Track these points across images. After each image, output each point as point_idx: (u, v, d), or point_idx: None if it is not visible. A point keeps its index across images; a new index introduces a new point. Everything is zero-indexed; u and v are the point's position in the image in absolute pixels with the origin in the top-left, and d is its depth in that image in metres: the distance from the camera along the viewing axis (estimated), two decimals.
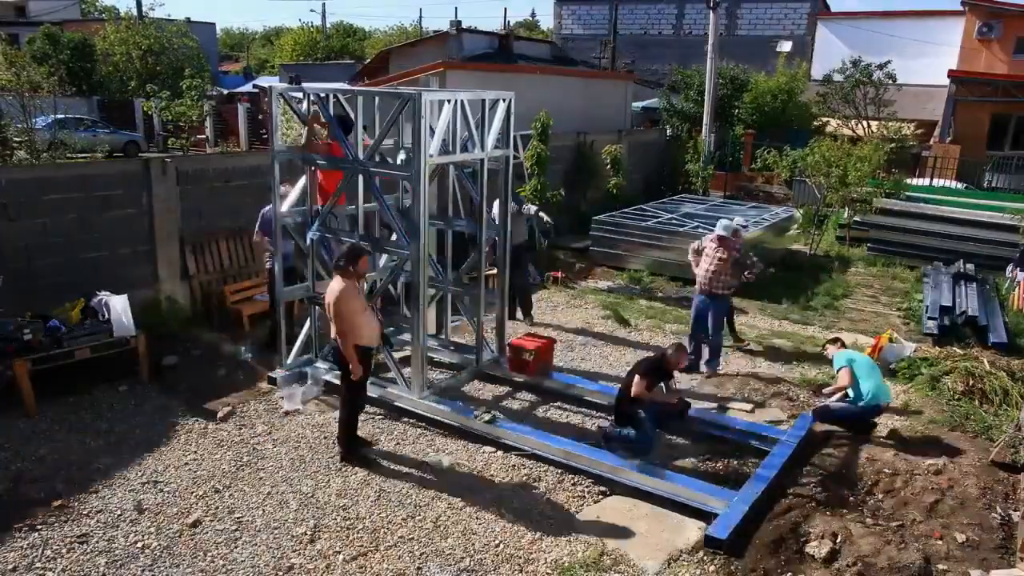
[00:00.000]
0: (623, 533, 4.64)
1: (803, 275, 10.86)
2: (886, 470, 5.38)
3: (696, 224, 11.11)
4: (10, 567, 4.17)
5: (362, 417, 6.08)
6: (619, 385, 5.82)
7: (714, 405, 6.48)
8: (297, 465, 5.34)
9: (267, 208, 6.69)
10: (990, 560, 4.45)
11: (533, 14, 78.22)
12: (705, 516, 4.72)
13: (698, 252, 7.37)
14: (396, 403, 6.19)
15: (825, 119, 19.35)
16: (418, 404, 6.08)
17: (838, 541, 4.49)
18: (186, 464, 5.30)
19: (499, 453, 5.55)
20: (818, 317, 9.10)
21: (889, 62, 18.60)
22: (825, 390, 6.26)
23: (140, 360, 6.40)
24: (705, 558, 4.39)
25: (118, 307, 6.33)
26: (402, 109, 5.79)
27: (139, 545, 4.39)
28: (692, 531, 4.66)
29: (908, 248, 11.83)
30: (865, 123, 18.54)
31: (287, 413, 6.07)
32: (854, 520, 4.77)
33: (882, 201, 12.36)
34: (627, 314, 8.81)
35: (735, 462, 5.54)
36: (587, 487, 5.14)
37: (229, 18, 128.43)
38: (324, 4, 71.68)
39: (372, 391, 6.33)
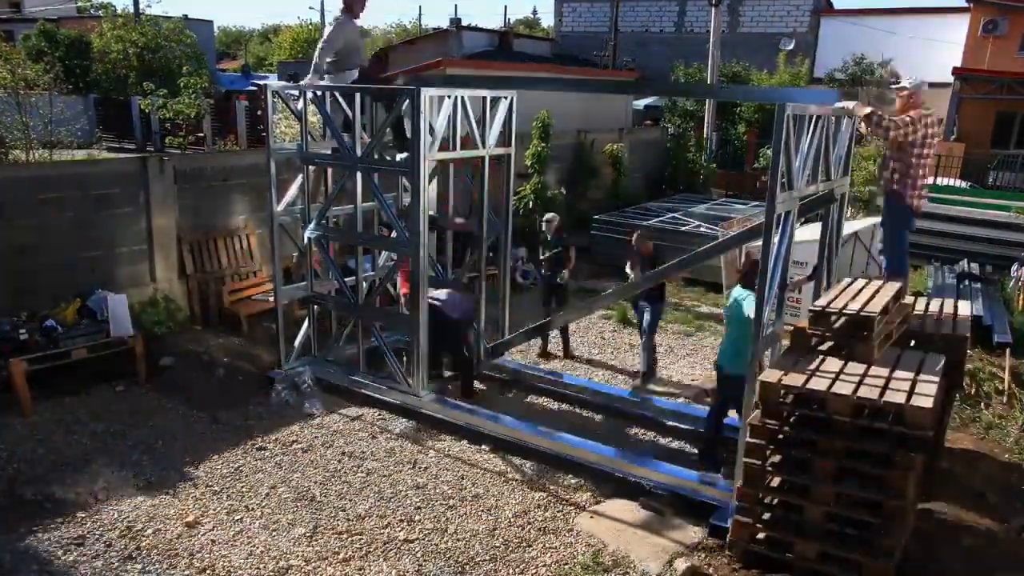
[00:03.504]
0: (623, 533, 4.61)
1: None
2: None
3: (698, 223, 11.05)
4: (6, 570, 4.13)
5: (361, 417, 6.04)
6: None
7: None
8: (296, 465, 5.29)
9: None
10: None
11: (534, 11, 78.02)
12: (705, 517, 4.67)
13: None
14: (396, 402, 6.14)
15: None
16: (418, 403, 6.04)
17: None
18: (183, 465, 5.26)
19: (499, 452, 5.51)
20: None
21: (892, 60, 18.51)
22: None
23: (137, 360, 6.35)
24: (706, 559, 4.35)
25: (115, 307, 6.29)
26: (401, 106, 5.74)
27: (136, 547, 4.35)
28: (693, 531, 4.62)
29: (912, 247, 11.71)
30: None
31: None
32: None
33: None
34: (629, 314, 8.75)
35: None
36: (588, 487, 5.10)
37: (227, 16, 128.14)
38: (323, 1, 71.40)
39: (372, 391, 6.30)
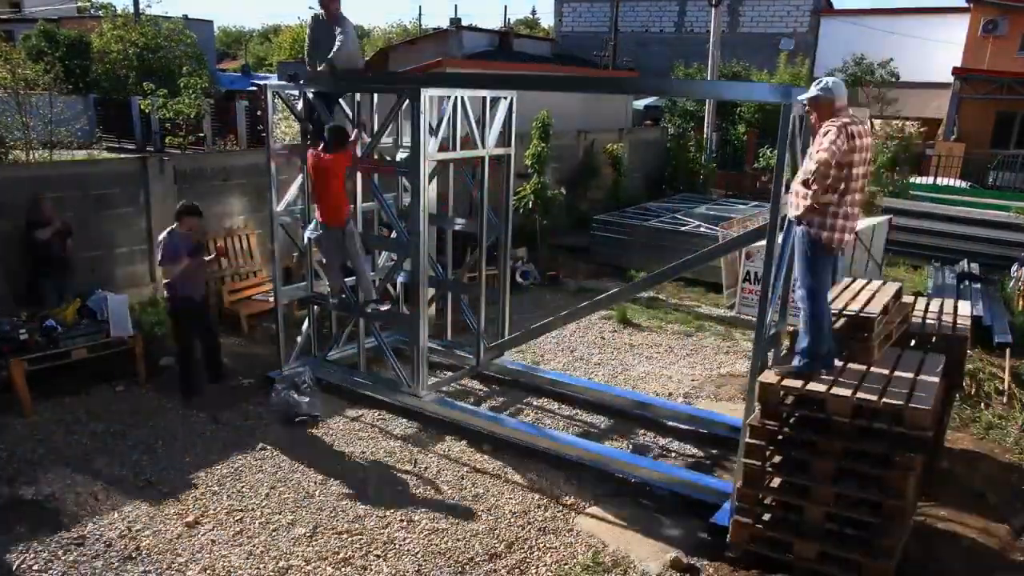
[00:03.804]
0: (623, 533, 4.61)
1: None
2: None
3: (698, 223, 11.06)
4: (6, 570, 4.13)
5: (361, 417, 6.04)
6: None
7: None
8: (295, 465, 5.29)
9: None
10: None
11: (533, 12, 78.10)
12: (705, 517, 4.67)
13: None
14: (396, 402, 6.15)
15: None
16: (418, 404, 6.04)
17: None
18: (183, 465, 5.26)
19: (499, 453, 5.51)
20: None
21: (892, 60, 18.54)
22: None
23: (137, 360, 6.35)
24: (706, 559, 4.35)
25: (115, 307, 6.29)
26: (401, 105, 5.74)
27: (136, 547, 4.35)
28: (693, 532, 4.62)
29: (912, 248, 11.78)
30: (868, 122, 18.49)
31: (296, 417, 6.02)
32: None
33: (886, 201, 12.30)
34: (629, 314, 8.76)
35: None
36: (588, 487, 5.10)
37: (227, 16, 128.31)
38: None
39: (372, 391, 6.30)
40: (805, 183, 4.00)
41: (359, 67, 6.60)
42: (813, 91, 4.03)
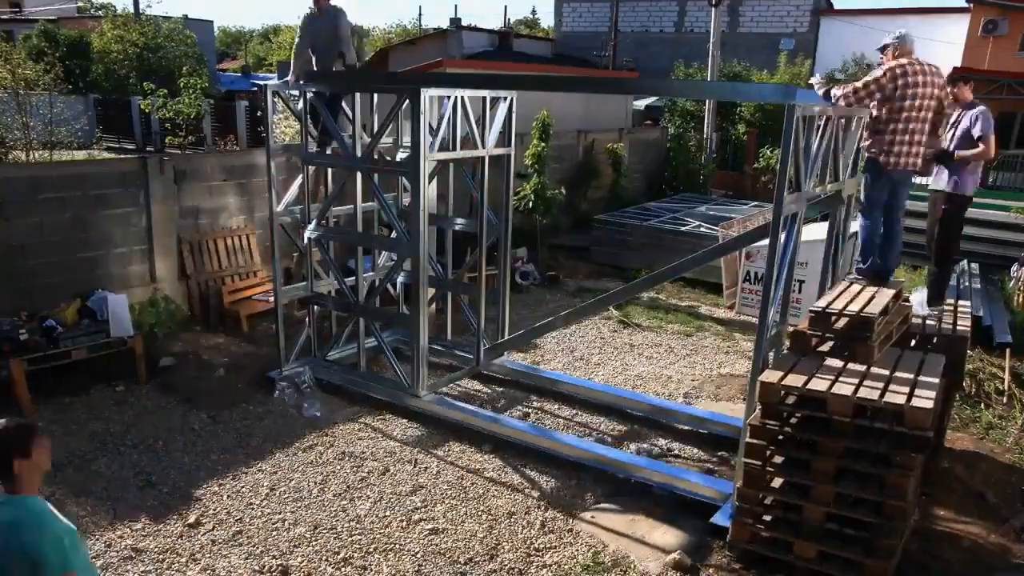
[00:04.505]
0: (623, 534, 4.61)
1: None
2: None
3: (698, 224, 11.06)
4: None
5: (361, 418, 6.04)
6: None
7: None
8: (295, 465, 5.29)
9: None
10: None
11: (533, 12, 78.23)
12: (705, 517, 4.67)
13: None
14: (396, 402, 6.15)
15: None
16: (418, 404, 6.04)
17: None
18: (183, 465, 5.25)
19: (499, 453, 5.51)
20: None
21: None
22: None
23: (137, 360, 6.35)
24: (706, 559, 4.35)
25: (115, 307, 6.29)
26: (401, 105, 5.74)
27: (137, 547, 4.35)
28: (693, 532, 4.61)
29: (911, 248, 11.74)
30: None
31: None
32: None
33: None
34: (629, 314, 8.76)
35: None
36: (588, 486, 5.10)
37: (227, 16, 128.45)
38: None
39: (372, 391, 6.30)
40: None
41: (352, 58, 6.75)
42: (888, 39, 4.87)
